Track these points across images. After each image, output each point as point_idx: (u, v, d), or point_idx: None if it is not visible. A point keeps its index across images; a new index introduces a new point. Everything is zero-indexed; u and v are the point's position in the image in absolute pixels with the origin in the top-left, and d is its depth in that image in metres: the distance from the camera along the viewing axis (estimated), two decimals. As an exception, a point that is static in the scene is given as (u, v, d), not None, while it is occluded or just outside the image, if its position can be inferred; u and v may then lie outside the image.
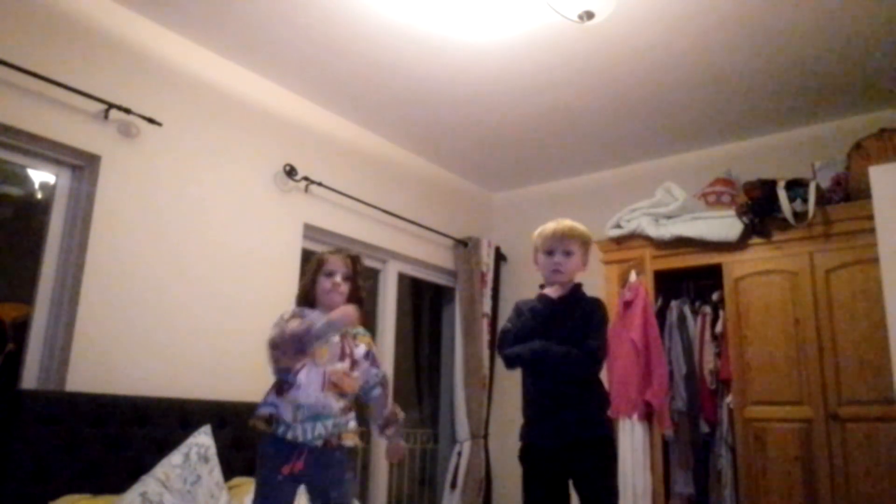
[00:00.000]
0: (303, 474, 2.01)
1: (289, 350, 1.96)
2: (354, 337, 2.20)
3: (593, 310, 2.26)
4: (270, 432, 2.01)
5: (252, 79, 3.46)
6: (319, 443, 2.02)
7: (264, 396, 2.08)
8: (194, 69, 3.19)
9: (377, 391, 2.25)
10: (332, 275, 2.16)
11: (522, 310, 2.30)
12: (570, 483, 2.19)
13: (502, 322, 4.67)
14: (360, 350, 2.19)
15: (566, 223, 2.30)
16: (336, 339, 2.10)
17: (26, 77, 2.53)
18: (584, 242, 2.31)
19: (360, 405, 2.25)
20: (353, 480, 2.16)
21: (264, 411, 2.03)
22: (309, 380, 2.02)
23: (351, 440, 2.10)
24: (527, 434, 2.26)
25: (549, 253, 2.28)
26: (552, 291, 2.25)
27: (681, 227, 3.67)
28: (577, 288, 2.31)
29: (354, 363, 2.14)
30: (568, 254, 2.26)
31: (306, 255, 3.65)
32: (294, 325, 2.00)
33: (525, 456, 2.25)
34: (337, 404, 2.05)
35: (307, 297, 2.20)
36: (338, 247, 2.36)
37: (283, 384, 2.03)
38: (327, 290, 2.14)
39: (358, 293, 2.21)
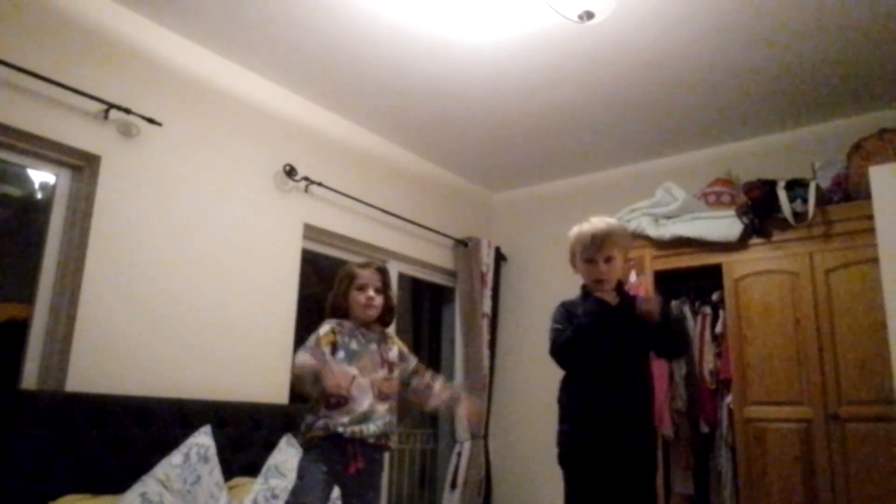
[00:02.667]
0: (360, 472, 2.10)
1: (303, 386, 2.06)
2: (387, 341, 2.30)
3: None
4: (326, 435, 2.09)
5: (252, 79, 3.46)
6: (373, 440, 2.12)
7: (311, 411, 2.14)
8: (194, 69, 3.19)
9: (415, 381, 2.32)
10: (365, 289, 2.24)
11: (573, 313, 2.21)
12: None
13: (502, 322, 4.71)
14: (394, 353, 2.29)
15: (601, 227, 2.19)
16: (374, 347, 2.23)
17: (26, 77, 2.53)
18: (624, 244, 2.25)
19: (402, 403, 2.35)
20: (380, 486, 2.28)
21: (320, 425, 2.09)
22: (361, 391, 2.13)
23: (394, 441, 2.24)
24: (579, 427, 2.17)
25: (590, 261, 2.19)
26: (609, 297, 2.17)
27: (681, 227, 3.67)
28: (621, 287, 2.27)
29: (392, 367, 2.25)
30: (609, 260, 2.19)
31: (306, 256, 3.65)
32: (303, 362, 2.05)
33: (573, 458, 2.17)
34: (382, 407, 2.17)
35: (338, 310, 2.27)
36: (367, 260, 2.45)
37: (335, 398, 2.10)
38: (363, 305, 2.23)
39: (389, 303, 2.31)
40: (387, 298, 2.30)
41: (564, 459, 2.19)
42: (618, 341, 2.15)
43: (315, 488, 2.04)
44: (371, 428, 2.11)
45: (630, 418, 2.14)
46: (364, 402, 2.12)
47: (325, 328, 2.19)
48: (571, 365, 2.20)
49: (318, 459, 2.08)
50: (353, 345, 2.19)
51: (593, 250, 2.17)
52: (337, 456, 2.08)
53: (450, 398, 2.33)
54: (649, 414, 2.24)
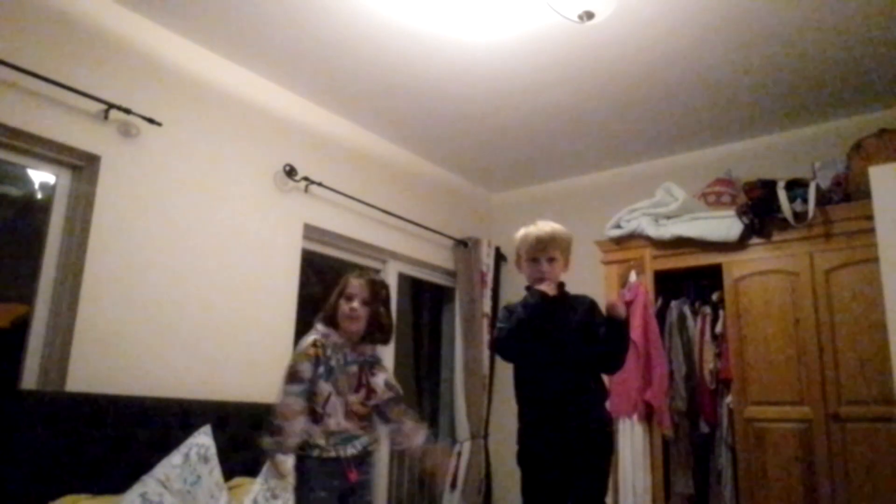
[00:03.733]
0: (357, 483, 2.14)
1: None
2: (372, 367, 2.28)
3: (594, 305, 2.34)
4: (304, 454, 2.12)
5: (252, 79, 3.46)
6: (355, 454, 2.17)
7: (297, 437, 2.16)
8: (194, 69, 3.19)
9: (388, 411, 2.30)
10: (351, 299, 2.20)
11: (511, 310, 2.30)
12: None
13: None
14: (379, 379, 2.28)
15: (546, 230, 2.32)
16: (354, 369, 2.21)
17: (26, 77, 2.53)
18: (566, 246, 2.36)
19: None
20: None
21: (296, 440, 2.11)
22: (335, 409, 2.14)
23: (375, 448, 2.27)
24: (530, 435, 2.26)
25: (533, 261, 2.32)
26: (548, 288, 2.25)
27: (681, 227, 3.67)
28: (561, 286, 2.36)
29: (370, 393, 2.24)
30: (552, 260, 2.30)
31: (306, 256, 3.65)
32: (284, 409, 2.10)
33: (527, 459, 2.25)
34: (359, 427, 2.20)
35: (330, 318, 2.25)
36: (364, 271, 2.39)
37: (312, 413, 2.13)
38: (346, 315, 2.20)
39: (378, 319, 2.25)
40: (375, 314, 2.23)
41: (519, 458, 2.27)
42: (557, 330, 2.23)
43: None
44: (349, 449, 2.15)
45: (575, 409, 2.19)
46: (339, 421, 2.14)
47: (309, 339, 2.20)
48: (512, 357, 2.30)
49: (316, 487, 2.10)
50: (333, 361, 2.18)
51: (537, 250, 2.29)
52: (330, 473, 2.11)
53: (416, 445, 2.28)
54: (597, 405, 2.27)
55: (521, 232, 2.37)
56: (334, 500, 2.12)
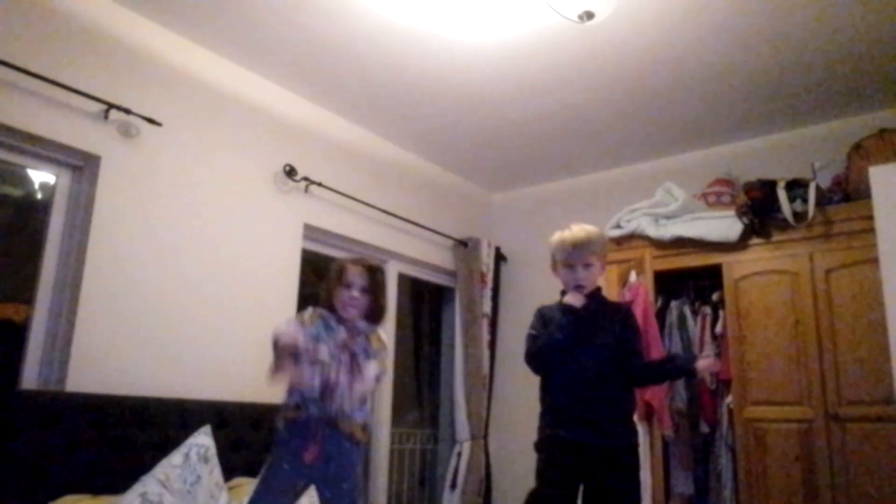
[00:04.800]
0: (319, 462, 2.04)
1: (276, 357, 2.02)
2: (364, 335, 2.19)
3: (629, 316, 2.34)
4: (305, 417, 2.07)
5: (252, 79, 3.46)
6: (337, 414, 2.07)
7: (286, 394, 2.15)
8: (194, 69, 3.19)
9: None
10: (350, 287, 2.16)
11: (547, 317, 2.30)
12: (582, 487, 2.20)
13: (502, 322, 4.70)
14: (371, 371, 2.16)
15: (581, 235, 2.28)
16: (342, 335, 2.14)
17: (26, 77, 2.53)
18: (602, 250, 2.34)
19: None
20: (360, 484, 2.20)
21: (292, 401, 2.10)
22: (311, 377, 2.07)
23: (360, 432, 2.14)
24: (556, 425, 2.25)
25: (569, 267, 2.28)
26: (575, 301, 2.23)
27: (681, 227, 3.67)
28: (598, 292, 2.33)
29: (353, 357, 2.14)
30: (588, 266, 2.28)
31: (306, 256, 3.65)
32: (282, 334, 2.01)
33: (547, 446, 2.25)
34: (338, 402, 2.10)
35: (328, 305, 2.21)
36: (360, 256, 2.35)
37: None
38: (345, 302, 2.16)
39: (377, 305, 2.21)
40: (375, 300, 2.20)
41: (540, 447, 2.28)
42: (589, 341, 2.23)
43: (279, 489, 2.04)
44: (334, 407, 2.06)
45: (603, 423, 2.18)
46: (314, 379, 2.06)
47: (307, 310, 2.20)
48: (544, 373, 2.31)
49: (282, 457, 2.07)
50: (326, 335, 2.13)
51: (573, 255, 2.26)
52: (299, 444, 2.05)
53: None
54: (627, 415, 2.27)
55: (557, 237, 2.33)
56: (294, 479, 2.05)
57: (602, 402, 2.20)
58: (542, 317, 2.33)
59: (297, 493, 2.09)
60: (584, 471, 2.18)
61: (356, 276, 2.18)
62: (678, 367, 2.45)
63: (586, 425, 2.18)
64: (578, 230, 2.30)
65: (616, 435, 2.20)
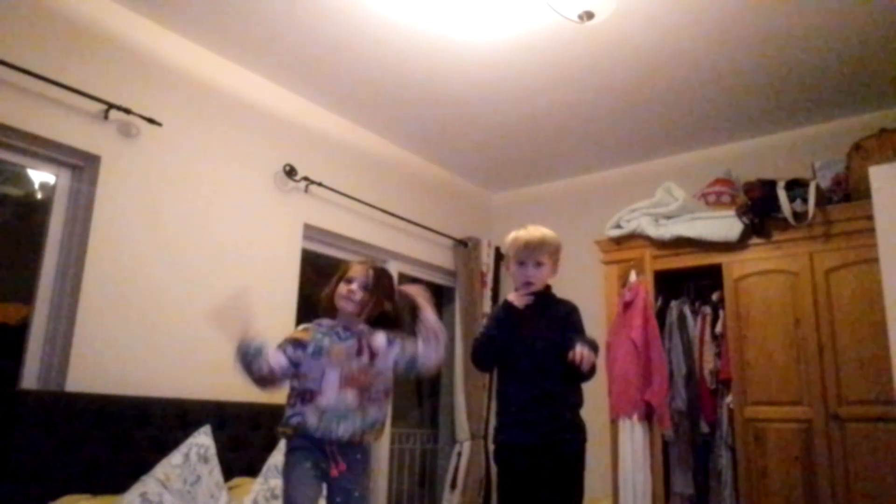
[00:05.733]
0: (342, 474, 2.01)
1: (241, 369, 2.00)
2: (373, 332, 2.16)
3: (570, 311, 2.32)
4: (291, 434, 2.04)
5: (252, 79, 3.46)
6: (346, 439, 2.01)
7: (287, 406, 2.08)
8: (194, 69, 3.19)
9: (410, 350, 2.14)
10: (350, 282, 2.15)
11: (492, 316, 2.34)
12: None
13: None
14: (380, 339, 2.13)
15: (536, 234, 2.32)
16: (352, 341, 2.10)
17: (26, 77, 2.53)
18: (554, 252, 2.35)
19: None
20: (368, 485, 2.19)
21: (293, 422, 2.04)
22: (329, 383, 2.02)
23: (374, 436, 2.10)
24: (504, 433, 2.28)
25: (521, 264, 2.31)
26: (517, 300, 2.26)
27: (681, 227, 3.67)
28: (547, 291, 2.35)
29: (374, 356, 2.10)
30: (539, 265, 2.30)
31: (306, 256, 3.65)
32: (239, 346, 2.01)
33: (501, 455, 2.27)
34: (356, 400, 2.03)
35: (327, 305, 2.18)
36: (367, 257, 2.36)
37: (306, 392, 2.03)
38: (342, 296, 2.13)
39: (379, 306, 2.17)
40: (376, 301, 2.16)
41: (495, 457, 2.30)
42: (531, 337, 2.24)
43: (304, 482, 1.99)
44: (341, 430, 2.00)
45: (542, 415, 2.19)
46: (329, 395, 2.00)
47: (300, 326, 2.17)
48: (484, 369, 2.36)
49: (301, 458, 2.02)
50: (326, 341, 2.09)
51: (525, 253, 2.29)
52: (319, 455, 2.02)
53: (420, 329, 2.16)
54: (572, 413, 2.26)
55: (511, 235, 2.37)
56: (318, 476, 2.01)
57: (542, 400, 2.20)
58: (490, 317, 2.37)
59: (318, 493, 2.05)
60: (536, 471, 2.18)
61: (358, 272, 2.17)
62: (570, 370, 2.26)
63: (528, 426, 2.19)
64: (534, 230, 2.34)
65: (557, 434, 2.19)
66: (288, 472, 2.04)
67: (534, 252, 2.29)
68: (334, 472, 2.00)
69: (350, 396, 2.03)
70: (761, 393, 3.34)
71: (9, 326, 2.70)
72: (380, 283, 2.19)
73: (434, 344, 2.13)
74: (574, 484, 2.21)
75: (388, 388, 2.14)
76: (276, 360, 2.03)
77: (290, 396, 2.10)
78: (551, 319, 2.29)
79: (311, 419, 2.00)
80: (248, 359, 1.99)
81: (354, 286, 2.14)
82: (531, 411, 2.20)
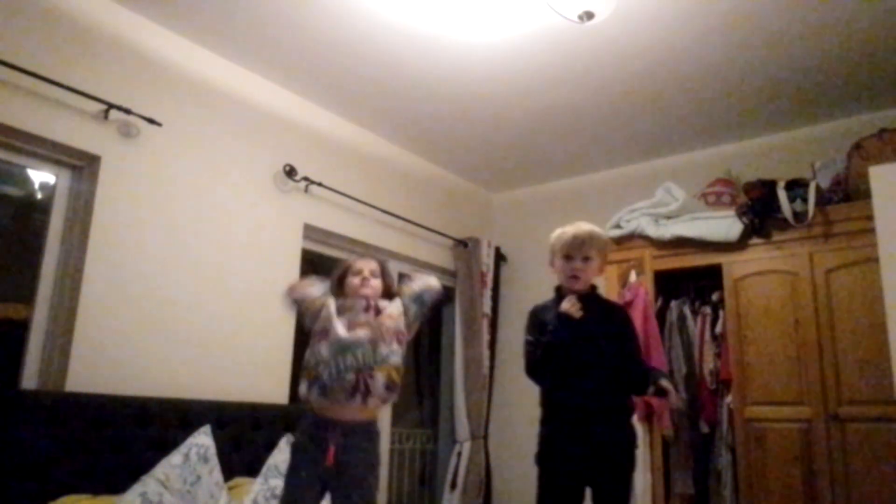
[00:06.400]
0: (339, 463, 2.03)
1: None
2: (370, 305, 2.21)
3: (628, 320, 2.33)
4: (314, 376, 2.05)
5: (252, 79, 3.46)
6: (351, 377, 2.02)
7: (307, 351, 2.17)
8: (194, 69, 3.19)
9: (410, 290, 2.27)
10: (360, 273, 2.22)
11: (543, 321, 2.26)
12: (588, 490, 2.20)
13: (502, 322, 4.70)
14: (382, 301, 2.21)
15: (585, 228, 2.29)
16: (360, 307, 2.17)
17: (26, 77, 2.53)
18: (603, 248, 2.32)
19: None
20: (377, 474, 2.20)
21: (307, 358, 2.11)
22: (337, 325, 2.10)
23: (383, 375, 2.08)
24: (554, 433, 2.24)
25: (568, 258, 2.27)
26: (571, 308, 2.16)
27: (681, 227, 3.67)
28: (594, 291, 2.31)
29: (378, 309, 2.18)
30: (587, 259, 2.26)
31: (306, 256, 3.65)
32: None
33: (550, 458, 2.24)
34: (367, 336, 2.09)
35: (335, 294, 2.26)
36: (363, 253, 2.44)
37: (322, 331, 2.12)
38: (357, 286, 2.20)
39: (389, 290, 2.27)
40: (386, 286, 2.26)
41: (540, 459, 2.25)
42: (585, 349, 2.20)
43: (300, 492, 2.04)
44: (349, 360, 2.03)
45: (601, 420, 2.18)
46: (341, 334, 2.07)
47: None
48: (546, 383, 2.28)
49: (297, 462, 2.07)
50: (349, 302, 2.19)
51: (573, 247, 2.25)
52: (317, 446, 2.05)
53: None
54: (624, 416, 2.26)
55: (557, 231, 2.33)
56: (315, 482, 2.04)
57: (599, 407, 2.18)
58: (539, 321, 2.28)
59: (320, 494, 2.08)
60: (586, 476, 2.17)
61: (364, 263, 2.26)
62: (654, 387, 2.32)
63: (583, 432, 2.17)
64: (583, 224, 2.31)
65: (613, 438, 2.19)
66: (288, 473, 2.09)
67: (582, 246, 2.25)
68: (329, 461, 2.01)
69: (361, 333, 2.09)
70: (761, 393, 3.34)
71: (9, 326, 2.70)
72: (385, 269, 2.29)
73: (422, 276, 2.31)
74: (625, 491, 2.18)
75: (399, 331, 2.17)
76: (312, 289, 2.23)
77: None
78: (607, 324, 2.25)
79: (324, 351, 2.06)
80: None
81: (367, 274, 2.22)
82: (585, 421, 2.17)
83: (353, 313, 2.14)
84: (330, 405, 2.05)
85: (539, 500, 2.22)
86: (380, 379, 2.07)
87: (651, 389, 2.20)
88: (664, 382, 2.21)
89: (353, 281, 2.21)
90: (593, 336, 2.21)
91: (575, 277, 2.24)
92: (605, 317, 2.29)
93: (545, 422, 2.28)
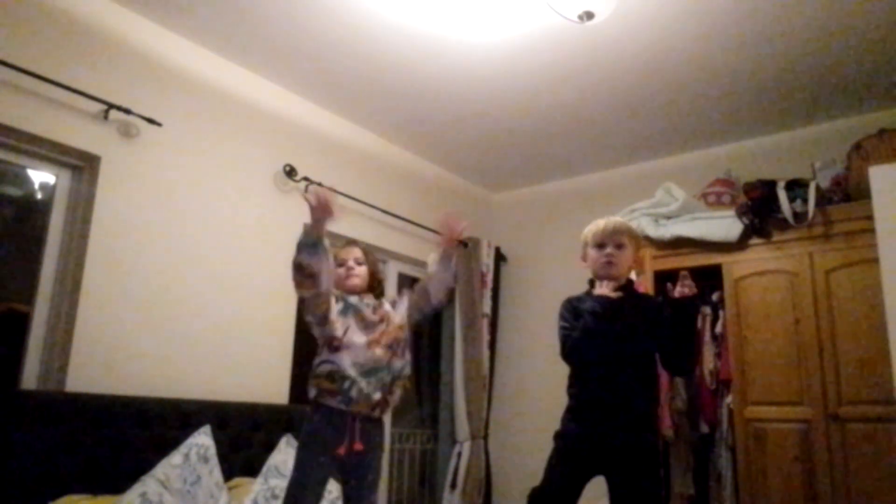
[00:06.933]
0: (357, 454, 2.07)
1: (299, 275, 2.05)
2: (377, 308, 2.25)
3: (661, 305, 2.27)
4: (336, 389, 2.07)
5: (252, 79, 3.46)
6: (378, 396, 2.10)
7: (317, 358, 2.14)
8: (194, 69, 3.19)
9: (418, 289, 2.30)
10: (345, 263, 2.24)
11: (578, 309, 2.24)
12: (606, 481, 2.18)
13: (502, 322, 4.70)
14: (386, 307, 2.26)
15: (617, 219, 2.32)
16: (369, 308, 2.20)
17: (26, 77, 2.53)
18: (635, 238, 2.32)
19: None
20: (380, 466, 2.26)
21: (325, 367, 2.09)
22: (352, 342, 2.11)
23: (400, 387, 2.21)
24: (577, 418, 2.22)
25: (601, 246, 2.26)
26: (608, 290, 2.17)
27: (681, 227, 3.67)
28: (631, 284, 2.30)
29: (385, 318, 2.21)
30: (620, 246, 2.25)
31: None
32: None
33: (565, 439, 2.23)
34: (386, 355, 2.15)
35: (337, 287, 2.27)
36: (345, 241, 2.42)
37: (333, 339, 2.11)
38: (343, 277, 2.22)
39: (376, 276, 2.29)
40: (372, 272, 2.28)
41: (558, 436, 2.24)
42: (622, 337, 2.18)
43: (309, 484, 2.04)
44: (375, 382, 2.09)
45: (627, 416, 2.16)
46: (359, 353, 2.09)
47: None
48: (582, 365, 2.24)
49: (314, 447, 2.07)
50: (353, 299, 2.20)
51: (605, 235, 2.25)
52: (333, 435, 2.06)
53: (442, 256, 2.29)
54: (650, 413, 2.24)
55: (592, 223, 2.34)
56: (333, 468, 2.09)
57: (626, 398, 2.17)
58: (573, 308, 2.26)
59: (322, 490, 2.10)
60: (602, 465, 2.16)
61: (347, 252, 2.27)
62: (672, 305, 2.26)
63: (609, 420, 2.15)
64: (614, 217, 2.34)
65: (636, 432, 2.16)
66: (298, 464, 2.09)
67: (614, 233, 2.25)
68: (344, 451, 2.05)
69: (378, 352, 2.13)
70: (761, 393, 3.34)
71: (9, 326, 2.70)
72: (368, 254, 2.30)
73: (446, 264, 2.27)
74: (651, 482, 2.16)
75: (407, 340, 2.25)
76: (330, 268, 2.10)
77: (319, 345, 2.17)
78: (642, 313, 2.22)
79: (347, 366, 2.07)
80: (312, 250, 2.03)
81: (352, 263, 2.23)
82: (615, 408, 2.15)
83: (366, 324, 2.16)
84: (348, 408, 2.09)
85: (546, 473, 2.22)
86: (397, 392, 2.21)
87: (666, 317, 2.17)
88: (682, 282, 2.16)
89: (341, 272, 2.22)
90: (631, 328, 2.18)
91: (609, 263, 2.22)
92: (641, 310, 2.25)
93: (570, 410, 2.26)
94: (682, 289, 2.16)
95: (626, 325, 2.18)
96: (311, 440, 2.10)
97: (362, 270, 2.25)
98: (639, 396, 2.19)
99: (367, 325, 2.16)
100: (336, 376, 2.08)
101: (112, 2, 2.90)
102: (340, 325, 2.12)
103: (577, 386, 2.26)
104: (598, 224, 2.30)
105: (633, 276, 3.67)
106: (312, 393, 2.12)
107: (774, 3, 2.79)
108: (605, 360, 2.17)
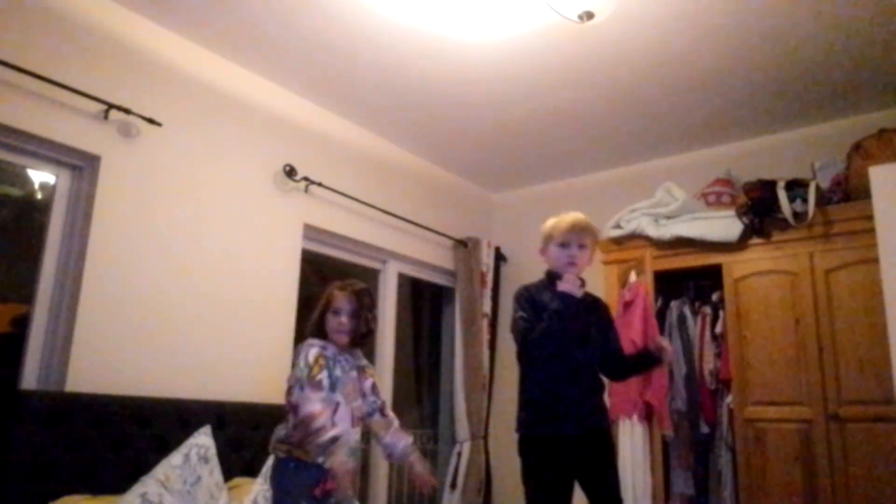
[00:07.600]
0: (331, 493, 2.07)
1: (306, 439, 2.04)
2: (364, 370, 2.31)
3: (609, 313, 2.45)
4: (286, 458, 2.10)
5: (252, 79, 3.46)
6: (354, 466, 2.14)
7: (286, 427, 2.16)
8: (194, 69, 3.19)
9: (376, 416, 2.32)
10: (338, 313, 2.22)
11: (537, 301, 2.28)
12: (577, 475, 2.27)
13: (502, 322, 4.69)
14: (368, 384, 2.30)
15: (581, 217, 2.36)
16: (354, 374, 2.24)
17: (26, 77, 2.53)
18: (597, 239, 2.41)
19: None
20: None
21: (334, 434, 2.03)
22: (343, 418, 2.14)
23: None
24: (538, 422, 2.27)
25: (564, 245, 2.31)
26: (572, 289, 2.23)
27: (681, 227, 3.67)
28: (584, 284, 2.36)
29: (364, 397, 2.28)
30: (582, 247, 2.31)
31: (306, 256, 3.65)
32: (319, 418, 2.03)
33: (535, 447, 2.26)
34: (359, 433, 2.24)
35: (318, 330, 2.25)
36: (348, 281, 2.33)
37: (312, 431, 2.06)
38: (334, 330, 2.22)
39: (368, 326, 2.26)
40: (365, 322, 2.24)
41: (524, 450, 2.29)
42: (581, 335, 2.28)
43: None
44: (352, 462, 2.09)
45: (586, 406, 2.27)
46: (349, 430, 2.13)
47: (313, 351, 2.16)
48: (541, 361, 2.28)
49: (294, 495, 2.07)
50: (338, 371, 2.19)
51: (571, 234, 2.31)
52: (310, 480, 2.06)
53: (403, 450, 2.27)
54: (601, 404, 2.35)
55: (552, 220, 2.39)
56: None
57: (584, 393, 2.27)
58: (532, 300, 2.30)
59: None
60: (576, 464, 2.22)
61: (343, 301, 2.22)
62: (643, 356, 2.44)
63: (570, 418, 2.22)
64: (577, 214, 2.38)
65: (597, 421, 2.28)
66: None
67: (581, 233, 2.31)
68: (318, 492, 2.05)
69: (357, 432, 2.21)
70: (761, 393, 3.34)
71: (9, 327, 2.70)
72: (363, 304, 2.25)
73: (400, 448, 2.28)
74: (615, 463, 2.33)
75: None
76: (326, 409, 2.09)
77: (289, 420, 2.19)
78: (596, 314, 2.37)
79: (343, 444, 2.06)
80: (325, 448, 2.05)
81: (344, 318, 2.21)
82: (575, 405, 2.24)
83: (352, 398, 2.19)
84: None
85: (533, 488, 2.24)
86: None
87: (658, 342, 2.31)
88: (658, 340, 2.31)
89: (332, 323, 2.21)
90: (583, 333, 2.29)
91: (573, 264, 2.29)
92: (593, 308, 2.40)
93: (528, 406, 2.30)
94: (660, 344, 2.30)
95: (584, 324, 2.30)
96: (289, 491, 2.09)
97: (352, 326, 2.21)
98: (596, 391, 2.32)
99: (353, 396, 2.21)
100: (323, 437, 2.02)
101: (112, 2, 2.89)
102: (330, 403, 2.12)
103: (535, 384, 2.31)
104: (564, 220, 2.35)
105: (632, 277, 3.71)
106: (299, 440, 2.07)
107: (775, 3, 2.79)
108: (565, 356, 2.25)
